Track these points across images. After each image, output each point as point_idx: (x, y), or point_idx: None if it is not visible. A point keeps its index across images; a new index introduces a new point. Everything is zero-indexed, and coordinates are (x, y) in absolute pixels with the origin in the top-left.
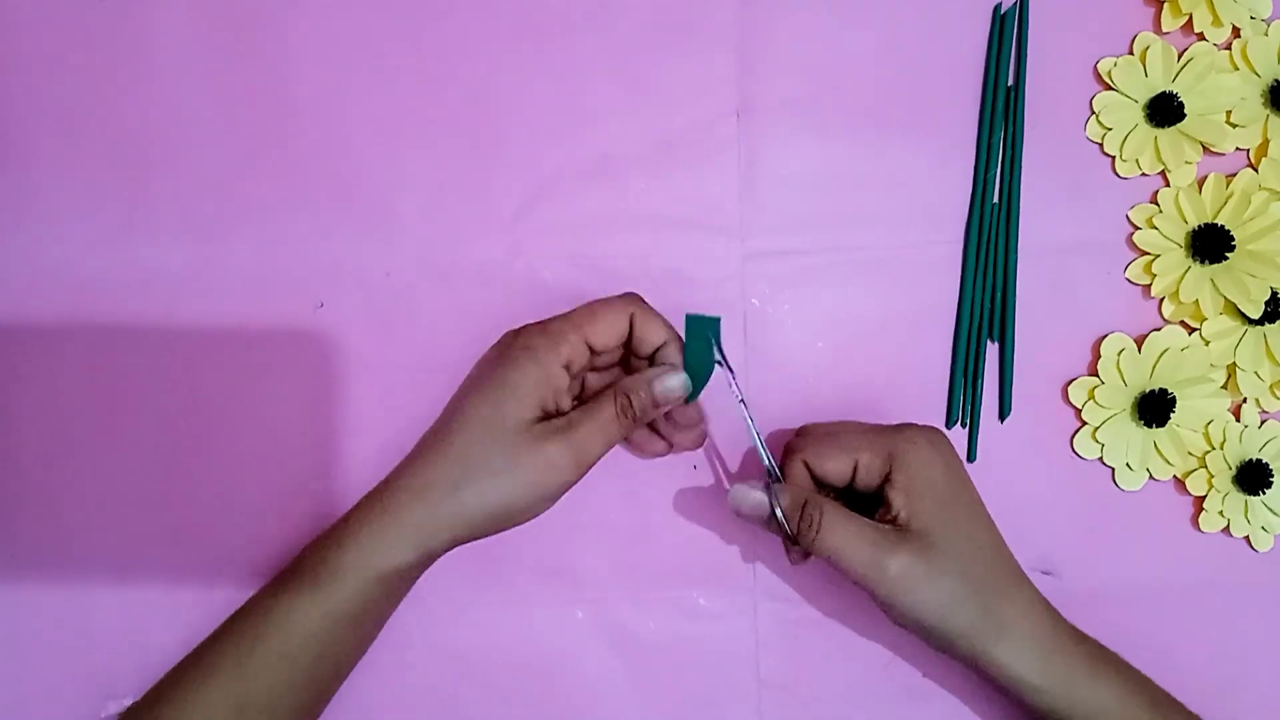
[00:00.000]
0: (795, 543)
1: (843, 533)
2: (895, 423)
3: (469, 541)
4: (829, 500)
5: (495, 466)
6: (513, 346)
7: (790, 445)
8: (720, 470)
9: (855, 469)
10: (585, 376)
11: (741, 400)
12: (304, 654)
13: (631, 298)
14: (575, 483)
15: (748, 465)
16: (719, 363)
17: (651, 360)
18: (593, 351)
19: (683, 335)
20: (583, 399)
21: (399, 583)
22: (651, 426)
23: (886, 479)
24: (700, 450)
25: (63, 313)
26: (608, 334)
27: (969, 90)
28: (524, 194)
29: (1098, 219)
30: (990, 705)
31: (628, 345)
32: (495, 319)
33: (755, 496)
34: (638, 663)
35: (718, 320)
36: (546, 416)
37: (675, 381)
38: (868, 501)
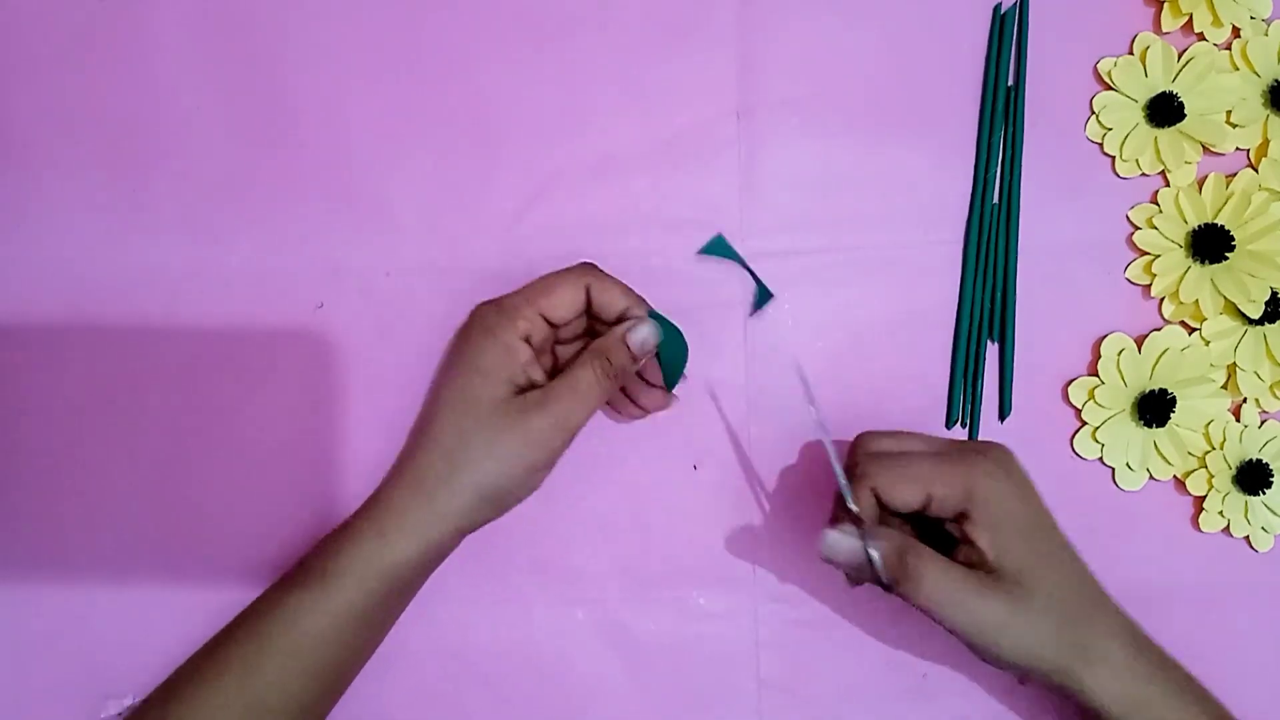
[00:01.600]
0: (889, 590)
1: (941, 583)
2: (958, 440)
3: (474, 529)
4: (925, 548)
5: (478, 449)
6: (471, 327)
7: (855, 468)
8: (720, 472)
9: (928, 500)
10: (555, 350)
11: (823, 434)
12: (311, 653)
13: (585, 268)
14: (563, 451)
15: (747, 466)
16: (810, 406)
17: (619, 324)
18: (551, 324)
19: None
20: (557, 371)
21: (404, 579)
22: (625, 393)
23: (964, 515)
24: (700, 451)
25: (63, 313)
26: (563, 306)
27: (969, 90)
28: (524, 194)
29: (1098, 219)
30: (990, 705)
31: (591, 314)
32: None
33: (850, 545)
34: (638, 663)
35: (687, 348)
36: (519, 391)
37: (647, 331)
38: (934, 523)
